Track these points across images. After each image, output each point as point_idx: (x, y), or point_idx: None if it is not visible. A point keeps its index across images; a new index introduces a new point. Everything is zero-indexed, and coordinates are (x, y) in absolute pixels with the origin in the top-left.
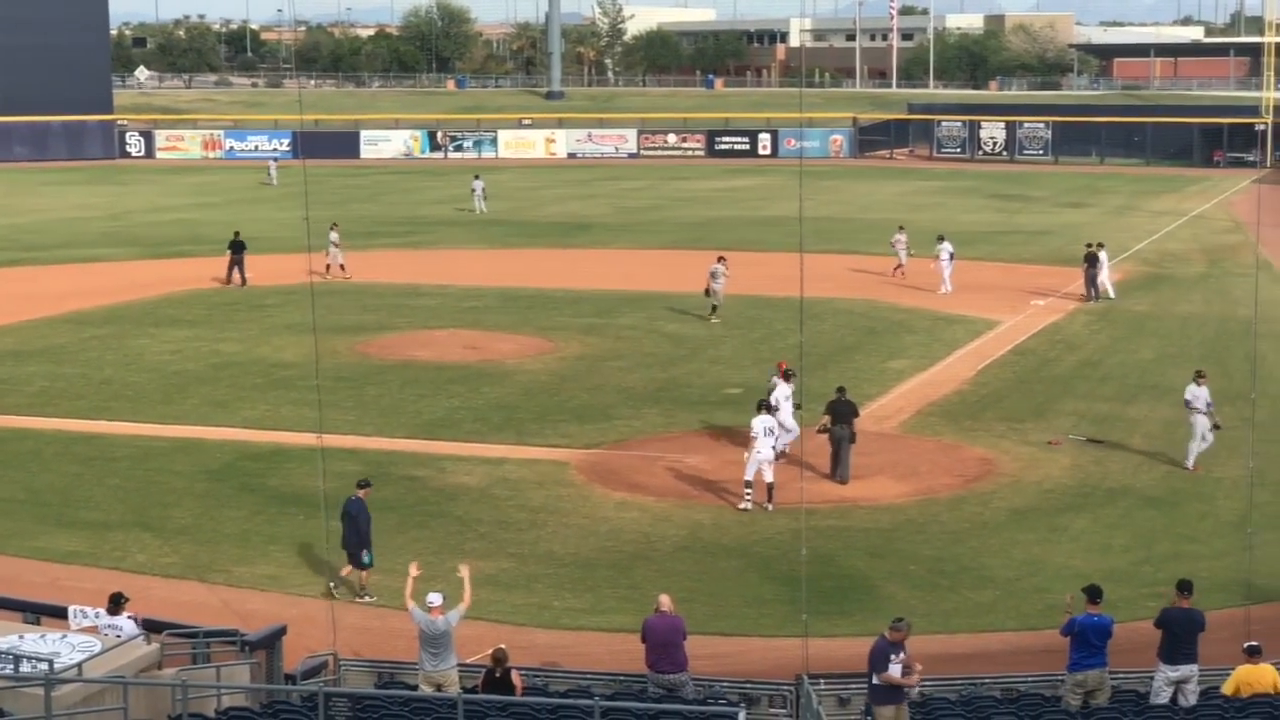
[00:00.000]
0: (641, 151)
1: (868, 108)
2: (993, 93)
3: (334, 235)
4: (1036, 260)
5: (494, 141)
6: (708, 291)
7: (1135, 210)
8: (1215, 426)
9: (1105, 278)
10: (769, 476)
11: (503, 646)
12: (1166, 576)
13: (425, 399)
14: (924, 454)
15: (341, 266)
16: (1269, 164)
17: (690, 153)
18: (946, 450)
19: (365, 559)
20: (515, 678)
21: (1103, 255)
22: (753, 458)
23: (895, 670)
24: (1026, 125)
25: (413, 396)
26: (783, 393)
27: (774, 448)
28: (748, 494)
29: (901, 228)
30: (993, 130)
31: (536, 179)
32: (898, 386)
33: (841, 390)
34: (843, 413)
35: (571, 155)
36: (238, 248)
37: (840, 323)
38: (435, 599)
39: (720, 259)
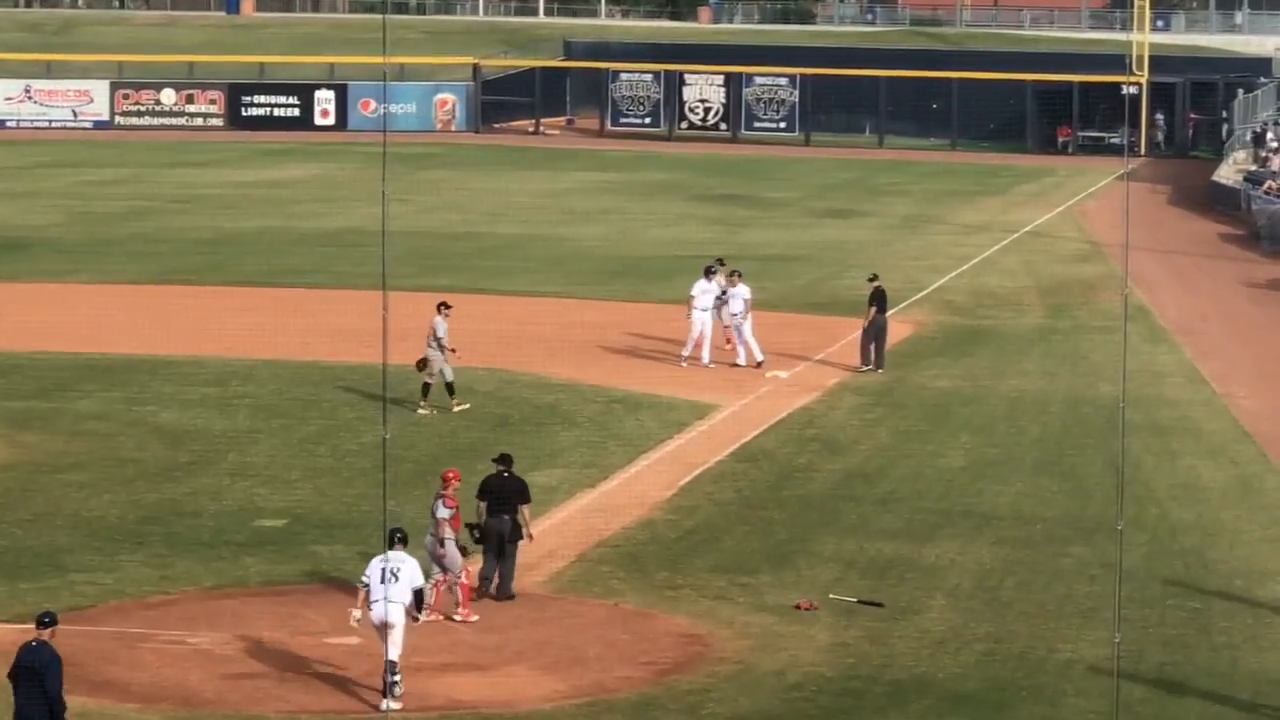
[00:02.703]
0: (119, 119)
1: (498, 48)
2: (704, 26)
3: None
4: (776, 304)
5: None
6: (421, 364)
7: (933, 223)
8: None
9: (748, 330)
10: (393, 652)
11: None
12: None
13: None
14: (591, 628)
15: None
16: (1145, 149)
17: (201, 121)
18: (628, 621)
19: None
20: None
21: (739, 290)
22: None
23: None
24: (759, 81)
25: None
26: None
27: (413, 603)
28: (394, 681)
29: (722, 262)
30: (704, 88)
31: None
32: (547, 515)
33: (504, 460)
34: (504, 496)
35: None
36: None
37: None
38: None
39: (442, 307)
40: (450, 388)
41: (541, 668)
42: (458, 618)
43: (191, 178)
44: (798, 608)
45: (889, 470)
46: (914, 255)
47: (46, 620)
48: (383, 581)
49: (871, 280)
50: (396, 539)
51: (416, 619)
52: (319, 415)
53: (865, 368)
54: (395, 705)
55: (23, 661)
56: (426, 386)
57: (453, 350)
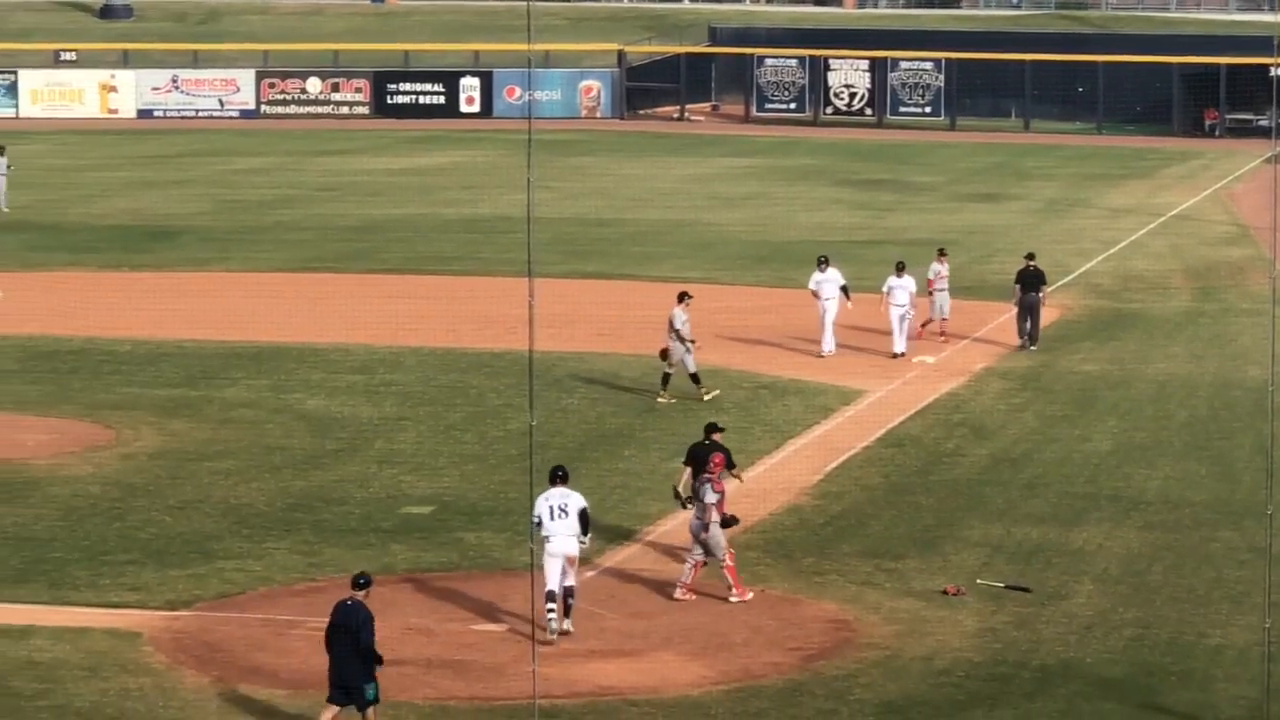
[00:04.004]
0: (265, 108)
1: (643, 35)
2: (849, 11)
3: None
4: (922, 288)
5: (13, 88)
6: (664, 354)
7: (1079, 206)
8: None
9: (907, 323)
10: (570, 578)
11: None
12: None
13: None
14: (738, 613)
15: None
16: None
17: (347, 109)
18: (774, 607)
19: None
20: None
21: (906, 281)
22: (547, 558)
23: None
24: (905, 66)
25: None
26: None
27: (581, 529)
28: (550, 613)
29: (942, 252)
30: (849, 73)
31: (85, 153)
32: None
33: (709, 429)
34: (703, 461)
35: (146, 114)
36: None
37: (599, 395)
38: None
39: (683, 297)
40: (695, 378)
41: (688, 654)
42: (734, 598)
43: (337, 165)
44: (945, 593)
45: (1036, 454)
46: (1060, 239)
47: (362, 581)
48: (553, 519)
49: (1028, 258)
50: (558, 476)
51: (584, 543)
52: (465, 402)
53: (1033, 346)
54: (567, 626)
55: (338, 620)
56: (666, 376)
57: (693, 342)
